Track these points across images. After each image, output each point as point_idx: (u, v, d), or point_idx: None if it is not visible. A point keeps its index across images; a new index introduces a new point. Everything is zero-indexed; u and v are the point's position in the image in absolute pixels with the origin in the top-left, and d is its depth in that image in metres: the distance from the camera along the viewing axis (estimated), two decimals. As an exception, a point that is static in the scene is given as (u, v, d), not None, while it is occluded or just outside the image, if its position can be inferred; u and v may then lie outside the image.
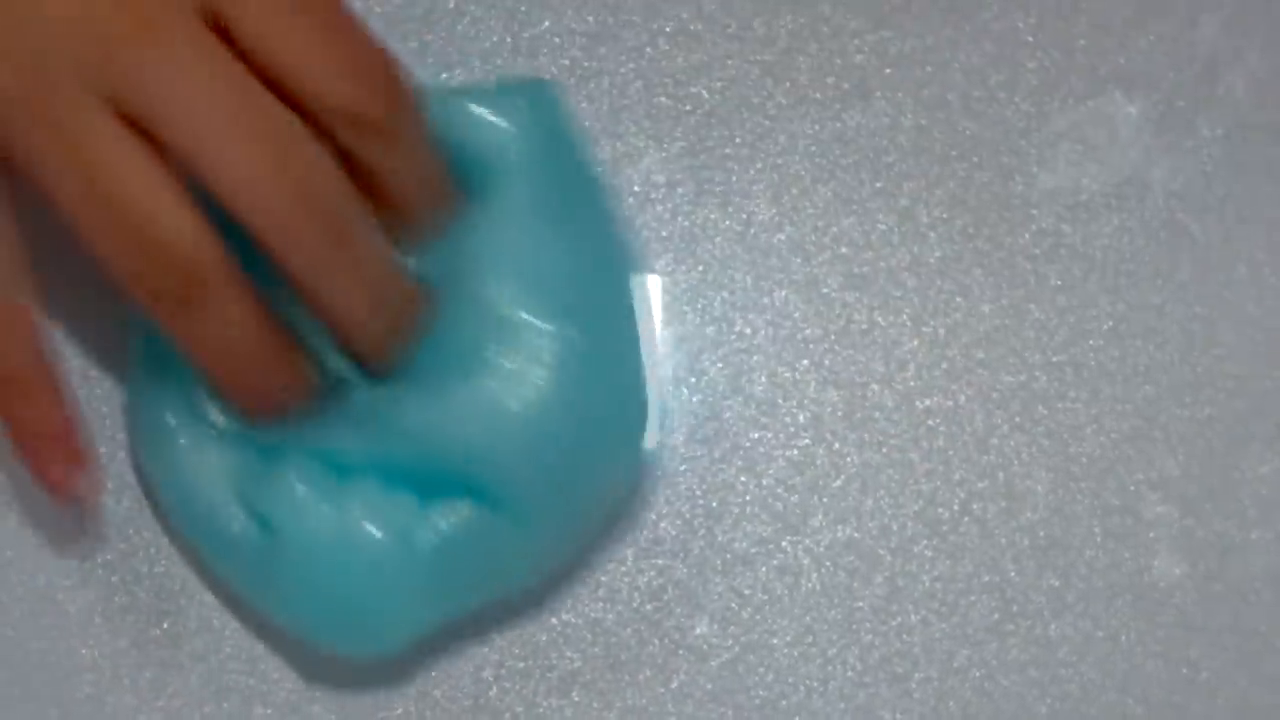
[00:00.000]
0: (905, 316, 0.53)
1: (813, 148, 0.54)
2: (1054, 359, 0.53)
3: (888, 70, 0.55)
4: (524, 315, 0.49)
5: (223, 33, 0.44)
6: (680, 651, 0.51)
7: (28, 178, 0.43)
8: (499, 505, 0.49)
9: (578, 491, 0.50)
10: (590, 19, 0.55)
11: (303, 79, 0.44)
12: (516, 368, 0.49)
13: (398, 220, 0.48)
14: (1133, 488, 0.53)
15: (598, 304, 0.51)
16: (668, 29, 0.55)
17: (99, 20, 0.42)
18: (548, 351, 0.49)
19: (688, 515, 0.52)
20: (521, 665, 0.51)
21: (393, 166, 0.46)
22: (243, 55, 0.44)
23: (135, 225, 0.43)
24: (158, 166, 0.43)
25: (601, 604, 0.52)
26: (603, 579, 0.52)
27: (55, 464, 0.48)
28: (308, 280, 0.45)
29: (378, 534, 0.49)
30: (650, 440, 0.52)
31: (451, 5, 0.55)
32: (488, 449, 0.49)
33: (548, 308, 0.49)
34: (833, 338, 0.53)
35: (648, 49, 0.55)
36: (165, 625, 0.51)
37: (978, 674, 0.51)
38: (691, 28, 0.55)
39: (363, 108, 0.45)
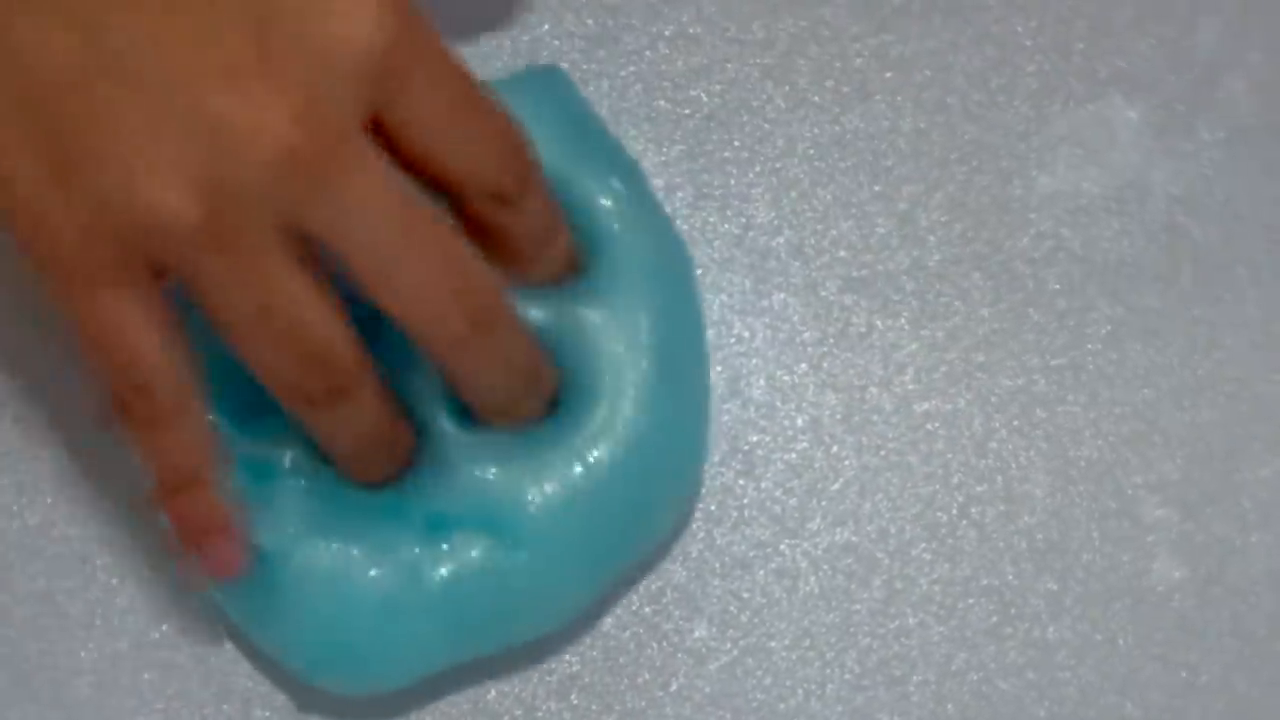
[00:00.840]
0: (904, 320, 0.53)
1: (812, 151, 0.54)
2: (1053, 362, 0.53)
3: (887, 73, 0.55)
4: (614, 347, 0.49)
5: (377, 125, 0.45)
6: (679, 654, 0.52)
7: (193, 291, 0.44)
8: (519, 545, 0.48)
9: (609, 549, 0.50)
10: (590, 22, 0.55)
11: (457, 170, 0.46)
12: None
13: (521, 273, 0.48)
14: (1131, 491, 0.53)
15: (674, 321, 0.50)
16: (667, 32, 0.55)
17: (280, 145, 0.43)
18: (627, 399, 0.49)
19: (686, 518, 0.52)
20: (520, 668, 0.51)
21: (522, 228, 0.47)
22: (391, 145, 0.45)
23: (299, 343, 0.45)
24: (321, 285, 0.45)
25: (600, 607, 0.52)
26: (601, 582, 0.52)
27: (219, 554, 0.47)
28: (460, 369, 0.47)
29: (378, 572, 0.48)
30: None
31: (451, 8, 0.55)
32: (524, 497, 0.48)
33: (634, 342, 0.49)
34: (831, 341, 0.53)
35: (647, 52, 0.55)
36: (165, 627, 0.51)
37: (976, 677, 0.51)
38: (691, 31, 0.55)
39: (504, 187, 0.46)
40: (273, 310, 0.44)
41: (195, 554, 0.47)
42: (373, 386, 0.46)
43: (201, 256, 0.43)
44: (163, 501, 0.46)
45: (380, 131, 0.44)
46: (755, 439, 0.53)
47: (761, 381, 0.53)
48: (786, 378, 0.53)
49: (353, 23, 0.43)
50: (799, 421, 0.53)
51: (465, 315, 0.45)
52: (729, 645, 0.52)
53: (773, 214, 0.54)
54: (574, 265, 0.49)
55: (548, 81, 0.52)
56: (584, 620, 0.51)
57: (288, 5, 0.43)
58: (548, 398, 0.49)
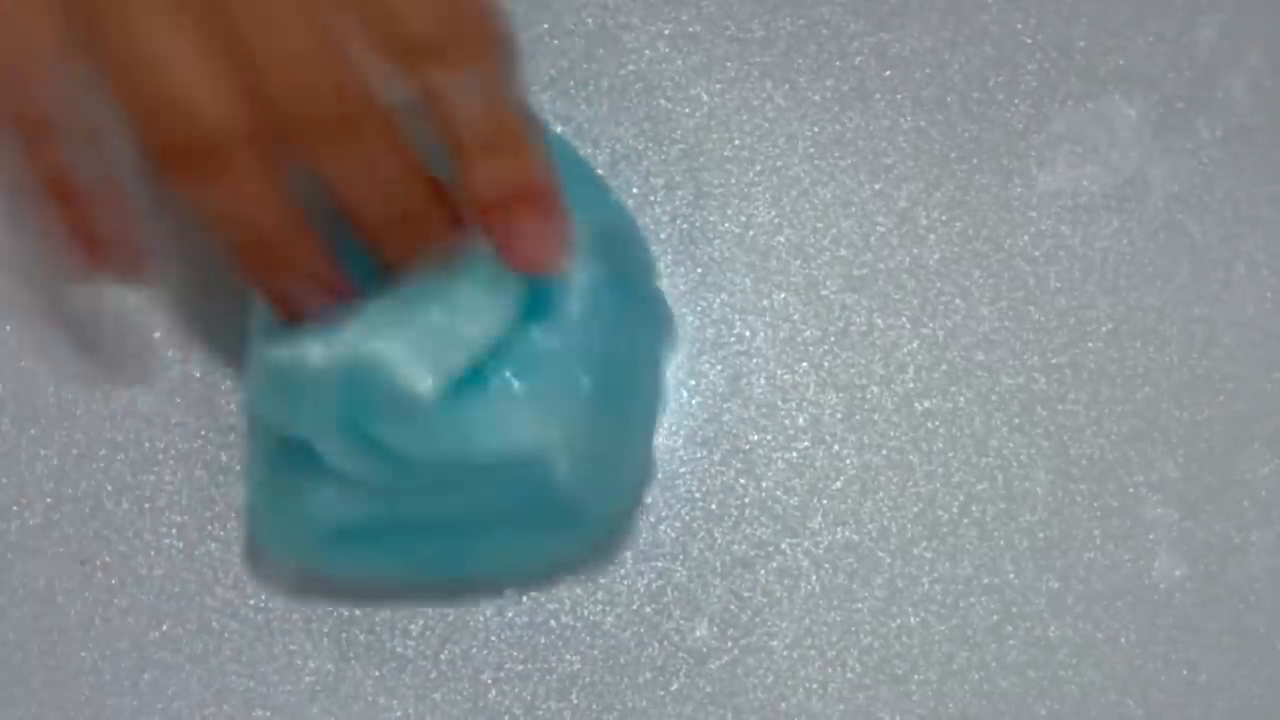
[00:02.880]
0: (904, 318, 0.53)
1: (812, 150, 0.54)
2: (1053, 361, 0.53)
3: (887, 72, 0.55)
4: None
5: None
6: (680, 654, 0.52)
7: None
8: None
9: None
10: (590, 21, 0.55)
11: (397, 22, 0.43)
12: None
13: (463, 169, 0.45)
14: (1132, 489, 0.53)
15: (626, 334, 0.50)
16: (667, 31, 0.55)
17: None
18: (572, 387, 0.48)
19: (687, 518, 0.52)
20: (521, 668, 0.51)
21: (460, 101, 0.44)
22: None
23: (161, 85, 0.42)
24: (200, 41, 0.42)
25: (601, 606, 0.52)
26: (602, 581, 0.52)
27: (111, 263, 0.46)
28: (326, 166, 0.44)
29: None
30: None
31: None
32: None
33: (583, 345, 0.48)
34: (832, 340, 0.53)
35: (647, 51, 0.55)
36: (165, 627, 0.51)
37: (977, 676, 0.52)
38: (690, 30, 0.55)
39: (431, 35, 0.44)
40: (138, 46, 0.42)
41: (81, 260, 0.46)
42: (257, 171, 0.43)
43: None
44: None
45: None
46: (756, 438, 0.53)
47: (762, 380, 0.53)
48: (787, 377, 0.53)
49: None
50: (800, 420, 0.53)
51: (330, 105, 0.43)
52: (730, 644, 0.52)
53: (773, 213, 0.54)
54: (545, 204, 0.46)
55: None
56: (583, 617, 0.51)
57: None
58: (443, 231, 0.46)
